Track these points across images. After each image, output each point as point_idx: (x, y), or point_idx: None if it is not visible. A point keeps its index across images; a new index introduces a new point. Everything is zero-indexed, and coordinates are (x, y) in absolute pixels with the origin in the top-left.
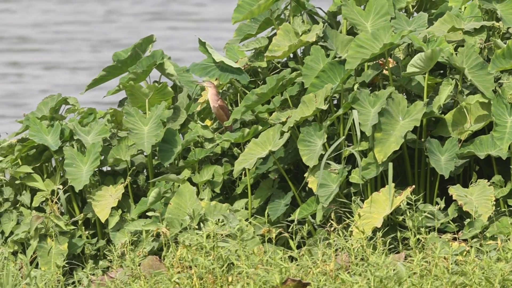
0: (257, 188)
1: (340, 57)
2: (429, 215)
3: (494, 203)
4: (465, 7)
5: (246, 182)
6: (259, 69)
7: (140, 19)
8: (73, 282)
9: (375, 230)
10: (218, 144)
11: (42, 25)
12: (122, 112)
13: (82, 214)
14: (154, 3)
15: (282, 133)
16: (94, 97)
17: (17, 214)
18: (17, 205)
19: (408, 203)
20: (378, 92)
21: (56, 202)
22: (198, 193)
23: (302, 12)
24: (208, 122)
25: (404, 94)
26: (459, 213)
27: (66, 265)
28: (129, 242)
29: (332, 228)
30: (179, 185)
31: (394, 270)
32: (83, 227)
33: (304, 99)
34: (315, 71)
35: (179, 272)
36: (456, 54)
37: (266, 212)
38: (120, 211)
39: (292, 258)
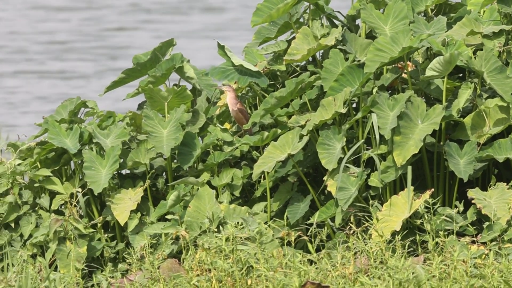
0: (276, 191)
1: (359, 60)
2: (447, 218)
3: None
4: (484, 11)
5: (265, 185)
6: (278, 73)
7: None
8: (92, 285)
9: (394, 233)
10: (237, 147)
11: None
12: (141, 115)
13: (101, 217)
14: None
15: (301, 137)
16: (114, 99)
17: (36, 217)
18: (36, 208)
19: (426, 207)
20: (397, 96)
21: (75, 205)
22: (217, 196)
23: (321, 16)
24: (227, 125)
25: (423, 97)
26: (477, 216)
27: (85, 268)
28: (148, 245)
29: (351, 231)
30: (198, 188)
31: (413, 273)
32: (102, 230)
33: (323, 103)
34: (334, 74)
35: (198, 275)
36: (475, 57)
37: (285, 215)
38: (139, 214)
39: (311, 261)
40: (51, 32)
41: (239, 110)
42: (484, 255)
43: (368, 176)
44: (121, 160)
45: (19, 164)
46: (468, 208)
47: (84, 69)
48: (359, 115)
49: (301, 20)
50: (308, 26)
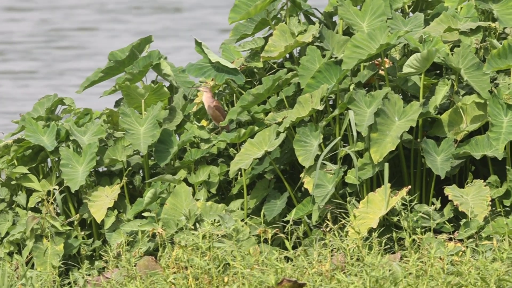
0: (253, 188)
1: (336, 57)
2: (424, 216)
3: (490, 203)
4: (461, 8)
5: (242, 183)
6: (255, 70)
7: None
8: (69, 283)
9: (370, 231)
10: (214, 145)
11: None
12: (118, 112)
13: (78, 215)
14: None
15: (278, 134)
16: (91, 94)
17: (13, 214)
18: (13, 206)
19: (403, 204)
20: (374, 93)
21: (52, 203)
22: (194, 194)
23: (298, 13)
24: (204, 123)
25: (400, 94)
26: (455, 213)
27: (62, 266)
28: (125, 242)
29: (328, 229)
30: (175, 186)
31: (389, 270)
32: (79, 228)
33: (300, 100)
34: (311, 71)
35: (174, 273)
36: (452, 54)
37: (262, 213)
38: (116, 212)
39: (288, 259)
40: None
41: (216, 107)
42: (461, 252)
43: (345, 173)
44: (98, 158)
45: None
46: (445, 205)
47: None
48: (336, 112)
49: (279, 16)
50: (286, 23)
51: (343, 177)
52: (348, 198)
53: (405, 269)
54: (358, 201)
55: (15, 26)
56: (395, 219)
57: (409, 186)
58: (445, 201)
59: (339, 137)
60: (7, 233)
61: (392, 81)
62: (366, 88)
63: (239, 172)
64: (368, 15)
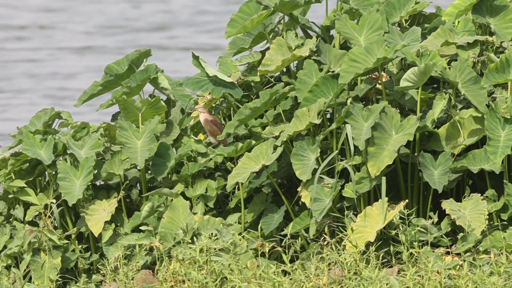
0: (250, 202)
1: (333, 71)
2: (422, 229)
3: (487, 217)
4: (458, 22)
5: (239, 196)
6: (252, 83)
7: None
8: None
9: (368, 244)
10: (211, 159)
11: None
12: (115, 126)
13: (75, 228)
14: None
15: (275, 147)
16: (87, 108)
17: (10, 228)
18: (10, 219)
19: (401, 217)
20: (371, 107)
21: (49, 216)
22: (191, 207)
23: (296, 26)
24: (201, 137)
25: (397, 108)
26: (452, 227)
27: (60, 279)
28: (122, 256)
29: (325, 242)
30: (172, 199)
31: (387, 284)
32: (76, 241)
33: (297, 113)
34: (308, 85)
35: (172, 286)
36: (449, 68)
37: (259, 226)
38: (113, 225)
39: (285, 272)
40: None
41: (212, 121)
42: (458, 266)
43: (342, 187)
44: (95, 171)
45: None
46: (442, 219)
47: None
48: (333, 126)
49: (276, 30)
50: (283, 37)
51: (340, 191)
52: (346, 212)
53: (403, 283)
54: (356, 215)
55: None
56: (393, 232)
57: (407, 200)
58: (442, 215)
59: (336, 151)
60: (5, 247)
61: (389, 95)
62: (363, 102)
63: (237, 186)
64: (365, 29)
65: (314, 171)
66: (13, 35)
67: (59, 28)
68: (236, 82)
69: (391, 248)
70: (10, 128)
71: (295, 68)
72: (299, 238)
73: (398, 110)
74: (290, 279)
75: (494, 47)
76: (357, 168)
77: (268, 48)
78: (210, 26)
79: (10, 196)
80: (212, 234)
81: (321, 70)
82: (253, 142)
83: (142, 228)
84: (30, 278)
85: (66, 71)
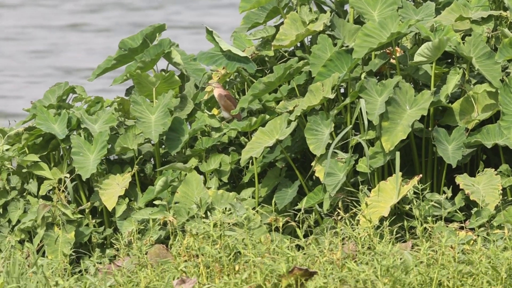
0: (264, 177)
1: (347, 46)
2: (436, 204)
3: (501, 192)
4: None
5: (253, 171)
6: (266, 58)
7: None
8: (80, 271)
9: (382, 219)
10: (225, 133)
11: None
12: (129, 100)
13: (89, 203)
14: None
15: (289, 122)
16: (101, 84)
17: (24, 202)
18: (24, 194)
19: (415, 192)
20: (385, 81)
21: (63, 191)
22: (205, 182)
23: (310, 1)
24: (215, 111)
25: (411, 83)
26: (466, 202)
27: (73, 254)
28: (136, 230)
29: (339, 217)
30: (186, 174)
31: (401, 259)
32: (90, 216)
33: (311, 88)
34: (322, 60)
35: (185, 261)
36: (463, 43)
37: (273, 201)
38: (127, 200)
39: (299, 247)
40: None
41: (226, 96)
42: (472, 241)
43: (356, 161)
44: (109, 146)
45: (7, 150)
46: (456, 194)
47: None
48: (347, 100)
49: (290, 5)
50: (297, 12)
51: (354, 165)
52: (360, 187)
53: (416, 257)
54: (369, 190)
55: None
56: (407, 207)
57: (421, 175)
58: (456, 190)
59: (350, 126)
60: (18, 221)
61: (403, 70)
62: (377, 77)
63: (250, 161)
64: (379, 4)
65: (328, 146)
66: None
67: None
68: (250, 57)
69: (405, 223)
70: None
71: (309, 42)
72: (313, 213)
73: (412, 85)
74: (304, 253)
75: (508, 22)
76: (371, 142)
77: (282, 23)
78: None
79: (24, 170)
80: (226, 208)
81: (335, 45)
82: (267, 116)
83: (156, 202)
84: (44, 252)
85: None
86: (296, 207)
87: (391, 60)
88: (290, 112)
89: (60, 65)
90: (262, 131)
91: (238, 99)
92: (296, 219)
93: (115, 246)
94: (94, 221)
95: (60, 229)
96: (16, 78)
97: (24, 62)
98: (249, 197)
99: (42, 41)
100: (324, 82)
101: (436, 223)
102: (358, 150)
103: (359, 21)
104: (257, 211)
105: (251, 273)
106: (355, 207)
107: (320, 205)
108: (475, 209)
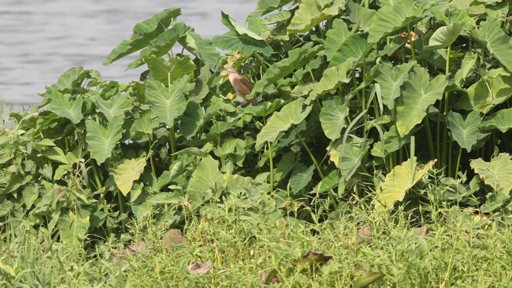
0: (279, 161)
1: (362, 30)
2: (451, 189)
3: None
4: None
5: (268, 156)
6: (281, 43)
7: None
8: (95, 256)
9: (397, 204)
10: (240, 118)
11: None
12: (144, 85)
13: (104, 188)
14: None
15: (304, 107)
16: (116, 69)
17: (39, 187)
18: (39, 179)
19: (430, 177)
20: (400, 66)
21: (78, 176)
22: (220, 167)
23: None
24: (230, 96)
25: (426, 67)
26: (480, 186)
27: (88, 239)
28: (151, 215)
29: (354, 202)
30: (201, 159)
31: (415, 243)
32: (105, 201)
33: (326, 73)
34: (337, 44)
35: (200, 246)
36: (478, 28)
37: (288, 186)
38: (142, 185)
39: (314, 232)
40: None
41: (242, 80)
42: (486, 226)
43: (371, 146)
44: (124, 130)
45: (22, 134)
46: (471, 179)
47: None
48: (362, 85)
49: None
50: None
51: (369, 150)
52: (374, 171)
53: (431, 242)
54: (384, 174)
55: None
56: (422, 192)
57: (435, 160)
58: (471, 174)
59: (365, 110)
60: (33, 206)
61: (418, 54)
62: (392, 61)
63: (265, 145)
64: None
65: (343, 130)
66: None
67: None
68: (265, 41)
69: (420, 207)
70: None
71: (324, 27)
72: (328, 198)
73: (427, 70)
74: (319, 238)
75: None
76: (386, 127)
77: (297, 7)
78: None
79: (39, 155)
80: (240, 193)
81: (350, 29)
82: (282, 101)
83: (171, 187)
84: (59, 237)
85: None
86: (311, 192)
87: (406, 45)
88: (305, 96)
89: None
90: (277, 115)
91: (253, 84)
92: (311, 203)
93: (130, 231)
94: (109, 206)
95: (75, 214)
96: None
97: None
98: (264, 182)
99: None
100: (339, 67)
101: (451, 207)
102: (373, 134)
103: (374, 5)
104: (272, 196)
105: (266, 258)
106: (370, 191)
107: (335, 189)
108: (490, 193)
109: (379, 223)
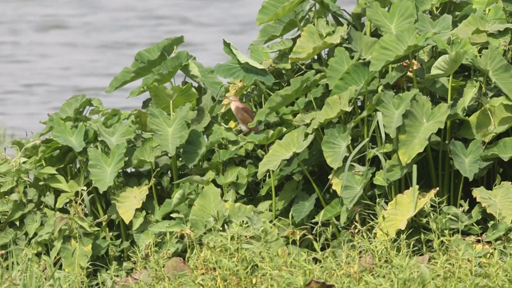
0: (281, 189)
1: (364, 59)
2: (453, 217)
3: None
4: (489, 9)
5: (270, 184)
6: (283, 71)
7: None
8: (97, 284)
9: (399, 232)
10: (242, 146)
11: None
12: (146, 113)
13: (106, 216)
14: None
15: (306, 135)
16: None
17: (41, 215)
18: (41, 206)
19: (432, 205)
20: (402, 94)
21: (80, 204)
22: (222, 195)
23: (327, 14)
24: (232, 124)
25: (428, 96)
26: (482, 215)
27: (90, 267)
28: (153, 243)
29: (356, 230)
30: (203, 187)
31: (417, 272)
32: (107, 229)
33: (328, 101)
34: (340, 73)
35: (203, 274)
36: (480, 56)
37: (290, 214)
38: (144, 213)
39: (316, 260)
40: None
41: (244, 109)
42: (489, 254)
43: (373, 174)
44: (126, 159)
45: (24, 162)
46: (473, 207)
47: None
48: (364, 113)
49: (307, 17)
50: (314, 24)
51: (371, 178)
52: (377, 200)
53: (433, 271)
54: (387, 203)
55: None
56: (424, 220)
57: (437, 188)
58: (473, 203)
59: (367, 139)
60: (35, 234)
61: (420, 83)
62: (394, 90)
63: (267, 174)
64: (396, 16)
65: (345, 159)
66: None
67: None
68: (267, 70)
69: (422, 236)
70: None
71: (326, 55)
72: (330, 226)
73: (429, 98)
74: (321, 266)
75: None
76: (388, 156)
77: (299, 36)
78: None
79: (41, 183)
80: (243, 221)
81: (352, 57)
82: (284, 129)
83: (173, 215)
84: (61, 265)
85: None
86: (313, 220)
87: (408, 73)
88: (307, 125)
89: None
90: (279, 144)
91: (255, 112)
92: (313, 232)
93: (132, 259)
94: (111, 234)
95: (77, 242)
96: None
97: None
98: (266, 210)
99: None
100: (341, 95)
101: (453, 236)
102: (375, 163)
103: (376, 33)
104: (274, 224)
105: (268, 286)
106: (372, 220)
107: (337, 218)
108: (492, 222)
109: (381, 251)
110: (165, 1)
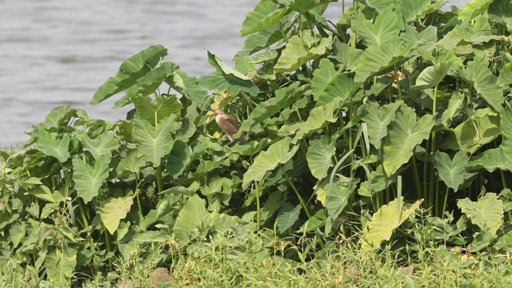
0: (266, 200)
1: (349, 70)
2: (437, 228)
3: (503, 216)
4: (474, 21)
5: (255, 195)
6: (268, 82)
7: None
8: None
9: (383, 243)
10: (227, 157)
11: None
12: (131, 124)
13: (90, 226)
14: None
15: (291, 146)
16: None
17: (26, 225)
18: (26, 217)
19: (416, 216)
20: (387, 105)
21: (64, 214)
22: (207, 206)
23: (312, 25)
24: (217, 135)
25: (413, 107)
26: (467, 226)
27: (75, 277)
28: (138, 254)
29: (341, 241)
30: (188, 198)
31: (402, 283)
32: (92, 239)
33: (313, 112)
34: (324, 84)
35: (187, 284)
36: (465, 67)
37: (275, 225)
38: (128, 223)
39: (300, 271)
40: None
41: (228, 120)
42: (473, 265)
43: (358, 185)
44: (111, 169)
45: (9, 173)
46: (458, 218)
47: None
48: (349, 124)
49: (292, 29)
50: (299, 36)
51: (356, 189)
52: (361, 211)
53: (418, 281)
54: (371, 214)
55: None
56: (409, 231)
57: (422, 199)
58: (458, 214)
59: (352, 150)
60: (20, 244)
61: (405, 94)
62: (379, 101)
63: (252, 184)
64: (381, 28)
65: (330, 170)
66: None
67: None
68: (252, 81)
69: (407, 247)
70: None
71: (311, 66)
72: (315, 237)
73: (414, 109)
74: (306, 277)
75: (510, 47)
76: (372, 167)
77: (284, 47)
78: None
79: (26, 193)
80: (227, 232)
81: (337, 69)
82: (269, 140)
83: (158, 226)
84: (46, 275)
85: None
86: (298, 231)
87: (393, 84)
88: (292, 136)
89: None
90: (264, 154)
91: (240, 123)
92: (298, 243)
93: (117, 269)
94: (95, 244)
95: (61, 252)
96: None
97: None
98: (251, 221)
99: None
100: (326, 106)
101: (437, 247)
102: (360, 174)
103: (361, 45)
104: (258, 235)
105: None
106: (357, 231)
107: (322, 229)
108: (477, 233)
109: (366, 262)
110: (126, 15)
